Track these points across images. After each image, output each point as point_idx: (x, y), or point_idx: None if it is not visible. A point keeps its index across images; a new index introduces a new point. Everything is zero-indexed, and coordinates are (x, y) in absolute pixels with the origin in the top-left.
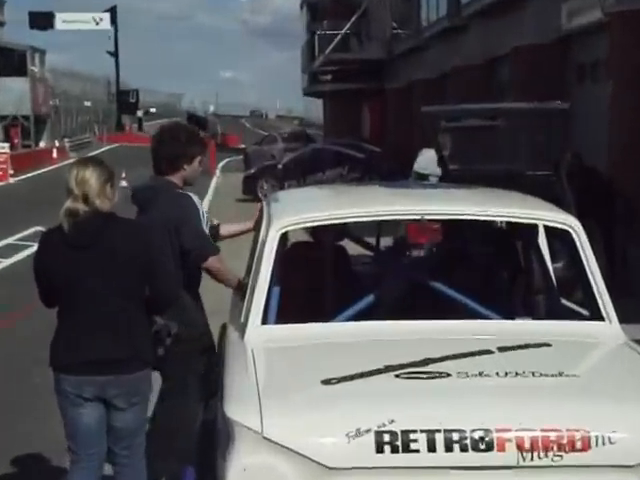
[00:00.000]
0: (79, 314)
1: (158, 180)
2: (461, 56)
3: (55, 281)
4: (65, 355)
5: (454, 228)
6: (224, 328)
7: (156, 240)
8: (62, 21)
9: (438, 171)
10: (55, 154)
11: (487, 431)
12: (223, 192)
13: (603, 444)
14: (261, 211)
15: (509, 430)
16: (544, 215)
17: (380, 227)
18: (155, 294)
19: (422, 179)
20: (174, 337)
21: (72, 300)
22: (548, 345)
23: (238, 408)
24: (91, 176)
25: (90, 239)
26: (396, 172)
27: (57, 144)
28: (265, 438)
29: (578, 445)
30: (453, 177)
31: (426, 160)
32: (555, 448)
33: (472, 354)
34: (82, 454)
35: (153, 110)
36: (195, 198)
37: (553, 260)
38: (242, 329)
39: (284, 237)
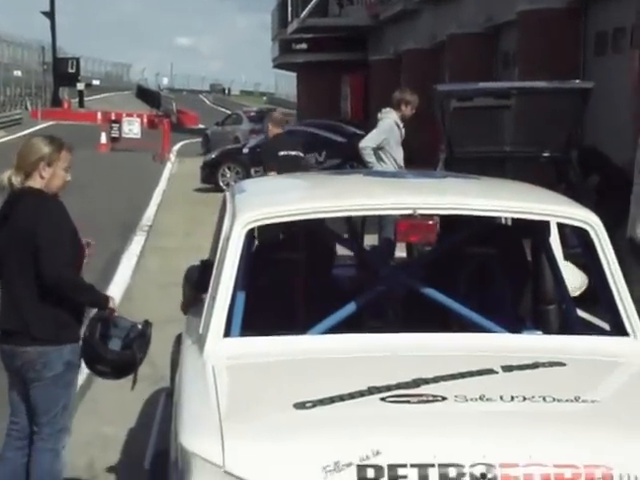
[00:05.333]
0: (4, 286)
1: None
2: (459, 22)
3: None
4: None
5: (451, 225)
6: (179, 340)
7: (52, 216)
8: None
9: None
10: None
11: (490, 467)
12: (178, 181)
13: None
14: (224, 203)
15: (516, 466)
16: (558, 210)
17: (364, 223)
18: (37, 271)
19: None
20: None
21: (1, 272)
22: (562, 364)
23: (195, 437)
24: (28, 152)
25: (5, 214)
26: None
27: None
28: (227, 473)
29: None
30: (456, 161)
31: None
32: None
33: (471, 374)
34: (10, 423)
35: (96, 82)
36: None
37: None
38: (201, 342)
39: (251, 234)
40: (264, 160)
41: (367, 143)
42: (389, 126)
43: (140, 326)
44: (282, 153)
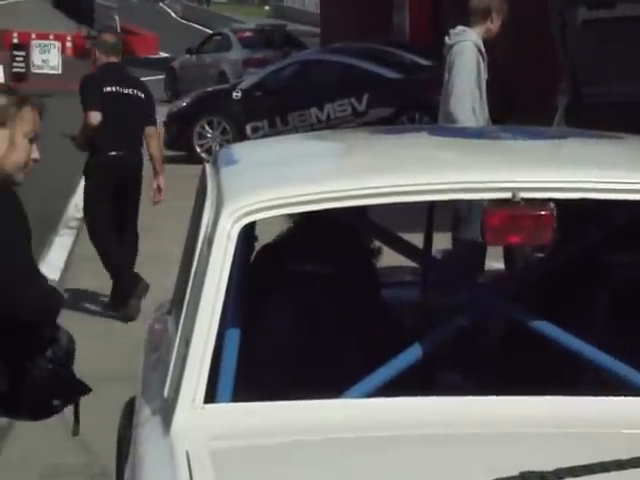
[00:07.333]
0: None
1: None
2: None
3: None
4: None
5: (580, 218)
6: (130, 410)
7: None
8: None
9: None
10: None
11: None
12: None
13: None
14: (203, 182)
15: None
16: None
17: (432, 214)
18: None
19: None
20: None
21: None
22: None
23: None
24: None
25: None
26: None
27: None
28: None
29: None
30: (587, 108)
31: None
32: None
33: (632, 464)
34: None
35: None
36: None
37: None
38: (167, 413)
39: (248, 233)
40: (82, 98)
41: (466, 102)
42: (475, 56)
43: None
44: (108, 89)
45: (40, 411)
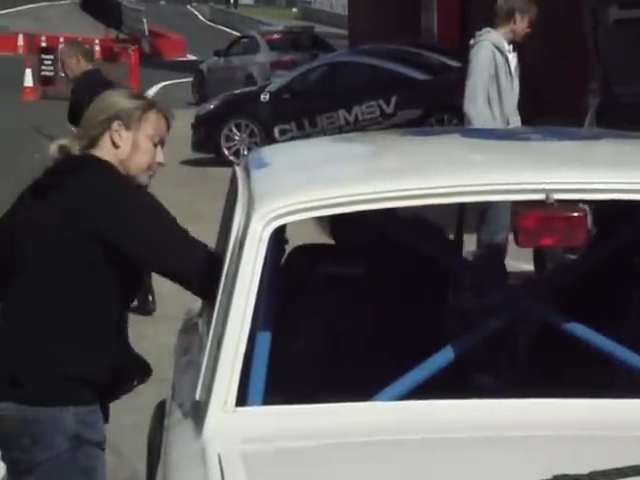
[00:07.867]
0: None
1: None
2: None
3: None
4: None
5: (612, 219)
6: (161, 412)
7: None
8: None
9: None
10: None
11: None
12: None
13: None
14: (233, 185)
15: None
16: None
17: (463, 216)
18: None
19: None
20: None
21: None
22: None
23: None
24: (96, 108)
25: (45, 186)
26: None
27: None
28: None
29: None
30: (619, 108)
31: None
32: None
33: None
34: None
35: None
36: None
37: None
38: (198, 415)
39: (279, 235)
40: (81, 104)
41: (477, 103)
42: (486, 57)
43: None
44: None
45: (117, 395)
